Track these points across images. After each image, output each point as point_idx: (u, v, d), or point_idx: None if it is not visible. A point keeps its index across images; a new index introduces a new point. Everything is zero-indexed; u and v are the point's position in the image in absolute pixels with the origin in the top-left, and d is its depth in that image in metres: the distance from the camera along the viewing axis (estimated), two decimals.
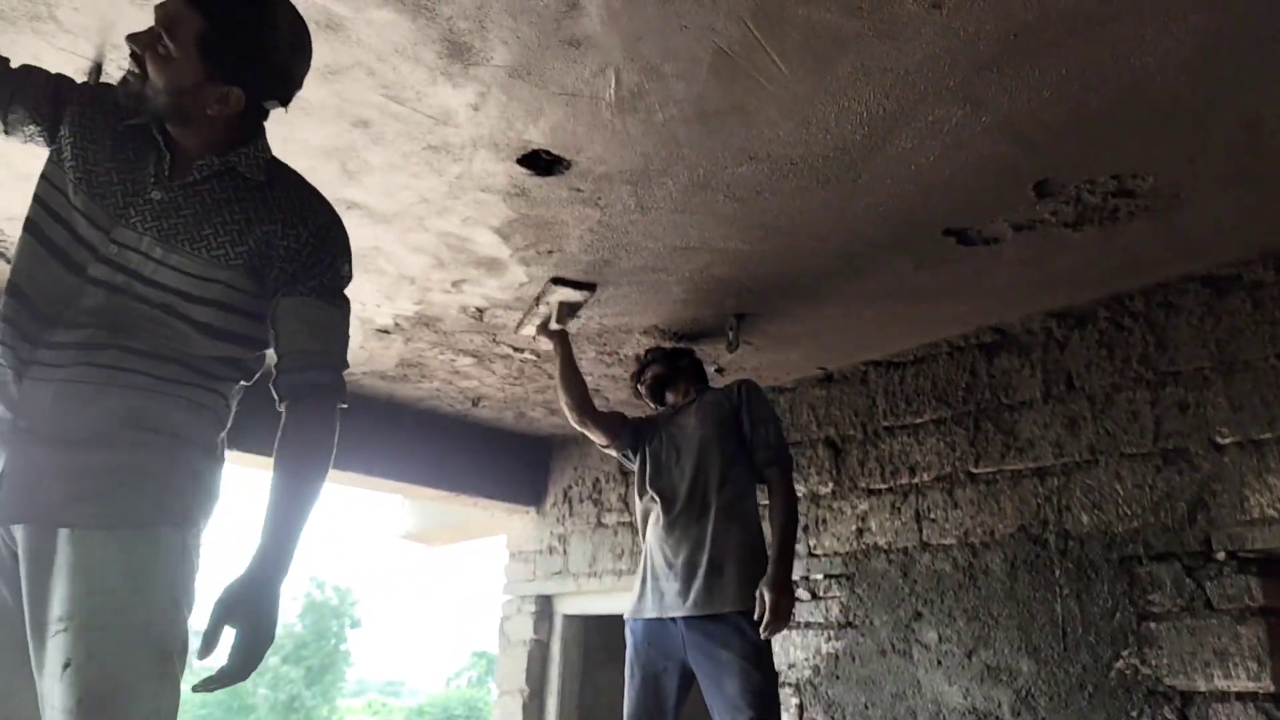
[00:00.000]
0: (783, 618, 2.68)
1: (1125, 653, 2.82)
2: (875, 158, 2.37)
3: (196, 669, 1.39)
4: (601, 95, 2.16)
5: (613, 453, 3.28)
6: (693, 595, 2.79)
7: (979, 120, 2.20)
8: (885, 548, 3.53)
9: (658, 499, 3.00)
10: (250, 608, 1.40)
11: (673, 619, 2.83)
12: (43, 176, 1.54)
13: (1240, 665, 2.60)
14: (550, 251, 2.97)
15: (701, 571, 2.80)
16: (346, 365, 1.60)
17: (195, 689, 1.41)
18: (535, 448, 5.29)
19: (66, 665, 1.31)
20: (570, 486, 5.12)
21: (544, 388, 4.34)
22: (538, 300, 3.25)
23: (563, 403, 3.29)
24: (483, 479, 5.06)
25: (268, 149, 1.60)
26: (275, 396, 1.56)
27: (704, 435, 3.00)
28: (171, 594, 1.42)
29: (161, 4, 1.48)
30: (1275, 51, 1.94)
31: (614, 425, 3.24)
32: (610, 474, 4.88)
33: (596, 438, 3.27)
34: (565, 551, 5.04)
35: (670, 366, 3.31)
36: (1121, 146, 2.29)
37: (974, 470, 3.34)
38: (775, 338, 3.58)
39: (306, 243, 1.55)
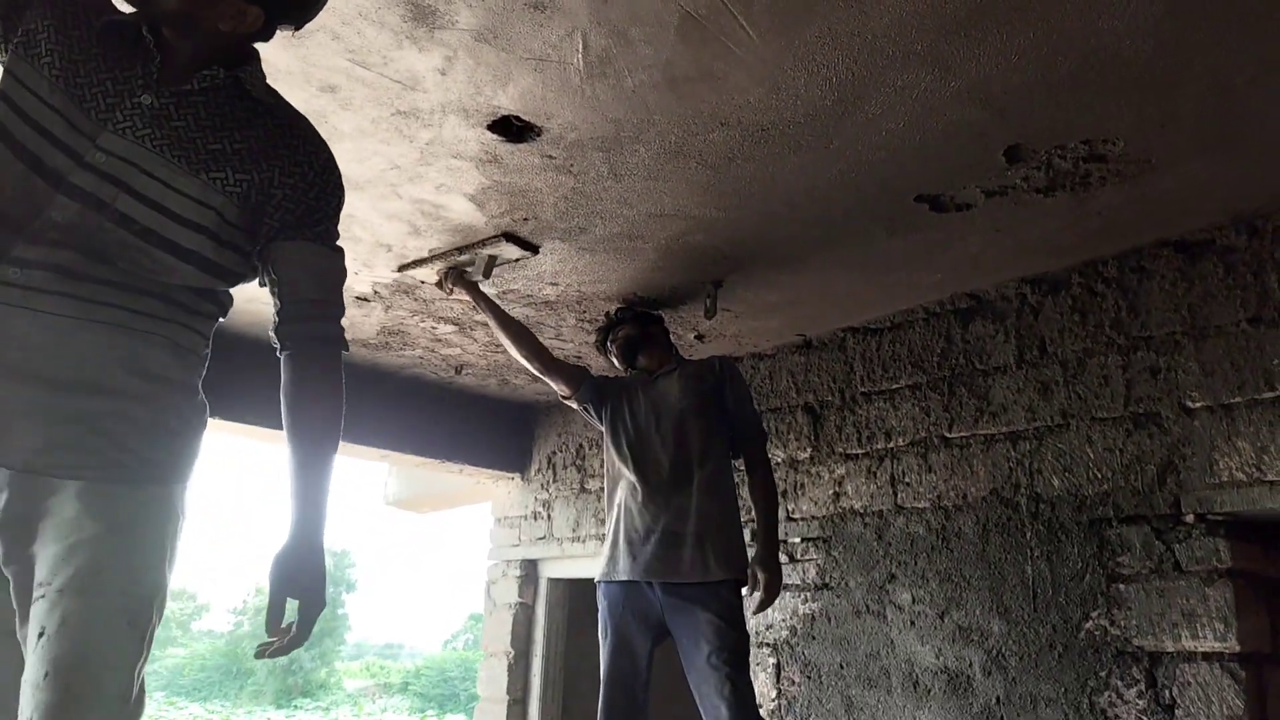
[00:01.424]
0: (774, 595, 2.82)
1: (1094, 614, 2.87)
2: (845, 123, 2.37)
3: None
4: (570, 60, 2.15)
5: (573, 404, 3.28)
6: (675, 564, 2.85)
7: (948, 85, 2.20)
8: (861, 511, 3.56)
9: (636, 465, 3.02)
10: (303, 575, 1.38)
11: (649, 582, 2.87)
12: (7, 69, 1.39)
13: (1208, 626, 2.64)
14: (526, 219, 2.96)
15: (686, 541, 2.86)
16: (344, 313, 1.55)
17: (258, 655, 1.40)
18: (519, 414, 5.31)
19: (40, 635, 1.25)
20: (554, 453, 5.15)
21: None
22: (466, 248, 3.13)
23: (517, 354, 3.27)
24: (467, 446, 5.08)
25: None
26: (275, 344, 1.49)
27: (686, 406, 3.03)
28: (159, 554, 1.35)
29: None
30: (1244, 14, 1.93)
31: (575, 376, 3.25)
32: (593, 440, 4.91)
33: (558, 386, 3.28)
34: (549, 517, 5.07)
35: (641, 329, 3.32)
36: (1092, 111, 2.29)
37: (948, 435, 3.37)
38: (753, 305, 3.58)
39: (313, 184, 1.48)
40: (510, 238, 3.06)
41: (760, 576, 2.83)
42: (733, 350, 4.13)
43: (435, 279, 3.34)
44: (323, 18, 2.02)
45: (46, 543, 1.28)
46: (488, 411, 5.15)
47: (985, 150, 2.48)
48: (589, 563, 4.81)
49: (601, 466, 4.82)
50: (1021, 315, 3.26)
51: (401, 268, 3.35)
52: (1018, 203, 2.73)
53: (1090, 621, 2.87)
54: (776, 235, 3.01)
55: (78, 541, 1.28)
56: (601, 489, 4.77)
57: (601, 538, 4.69)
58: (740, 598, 2.83)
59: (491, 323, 3.30)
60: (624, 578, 2.92)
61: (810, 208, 2.81)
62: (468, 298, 3.29)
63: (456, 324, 3.97)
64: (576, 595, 5.16)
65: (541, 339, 4.06)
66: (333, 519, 1.50)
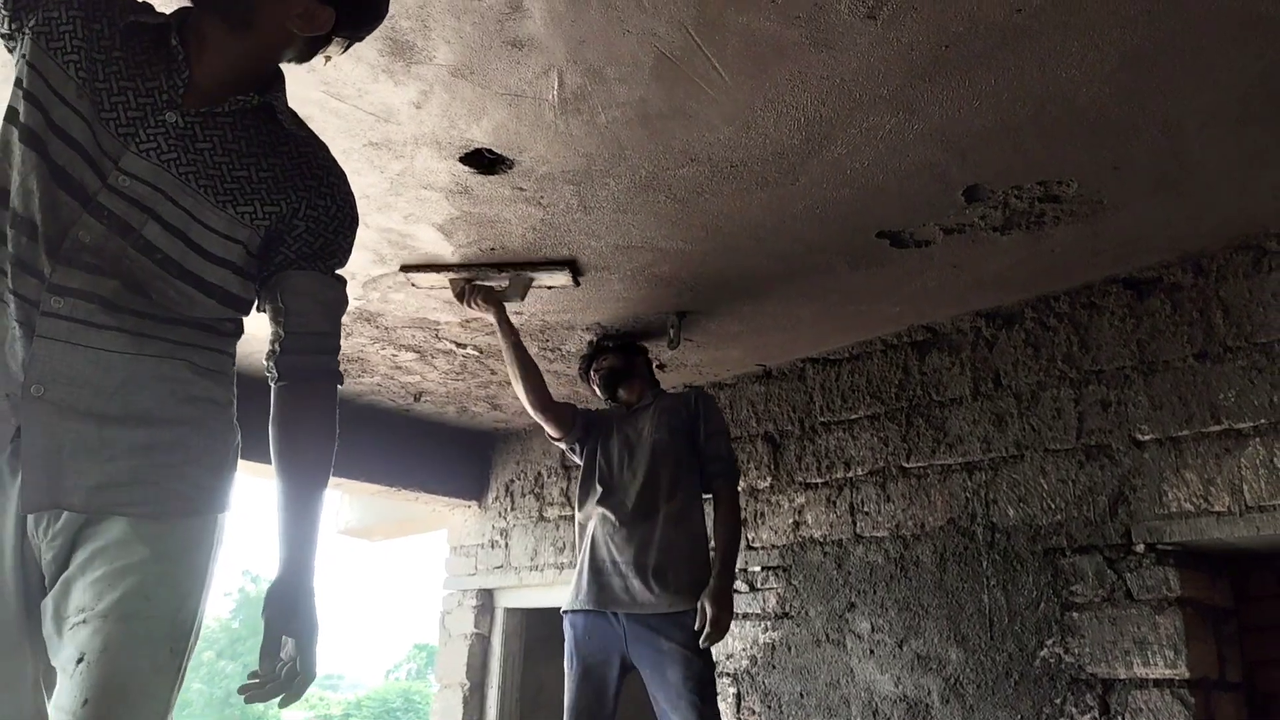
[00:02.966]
0: (722, 630, 2.80)
1: (1049, 641, 2.93)
2: (812, 162, 2.42)
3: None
4: (545, 96, 2.18)
5: (562, 445, 3.29)
6: (640, 595, 2.87)
7: (912, 127, 2.26)
8: (820, 540, 3.60)
9: (606, 497, 3.03)
10: (299, 611, 1.34)
11: (614, 614, 2.87)
12: (29, 64, 1.28)
13: (1158, 653, 2.72)
14: (493, 248, 2.97)
15: (650, 573, 2.88)
16: (341, 347, 1.51)
17: (247, 698, 1.33)
18: (477, 442, 5.28)
19: (79, 660, 1.20)
20: (512, 481, 5.13)
21: (486, 383, 4.33)
22: (510, 266, 3.04)
23: (521, 389, 3.21)
24: (424, 473, 5.04)
25: None
26: (274, 374, 1.43)
27: (658, 440, 3.05)
28: (201, 581, 1.32)
29: None
30: (1196, 65, 2.03)
31: (567, 417, 3.24)
32: (552, 468, 4.90)
33: (550, 429, 3.26)
34: (507, 545, 5.04)
35: (626, 361, 3.32)
36: (1048, 154, 2.38)
37: (906, 465, 3.43)
38: (716, 335, 3.63)
39: (334, 217, 1.43)
40: (573, 266, 3.01)
41: (708, 610, 2.79)
42: (693, 379, 4.17)
43: (453, 290, 3.16)
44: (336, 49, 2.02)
45: (89, 568, 1.24)
46: (445, 439, 5.12)
47: (945, 190, 2.55)
48: (547, 592, 4.79)
49: (561, 494, 4.81)
50: (977, 348, 3.34)
51: (405, 267, 3.12)
52: (975, 240, 2.81)
53: (1045, 649, 2.93)
54: (741, 267, 3.06)
55: (125, 566, 1.24)
56: (561, 517, 4.76)
57: (560, 567, 4.67)
58: None
59: (506, 351, 3.20)
60: (590, 607, 2.92)
61: (775, 241, 2.86)
62: (490, 317, 3.18)
63: (417, 351, 3.95)
64: (534, 625, 5.13)
65: (504, 365, 4.07)
66: (322, 552, 1.47)
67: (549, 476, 4.91)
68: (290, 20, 1.33)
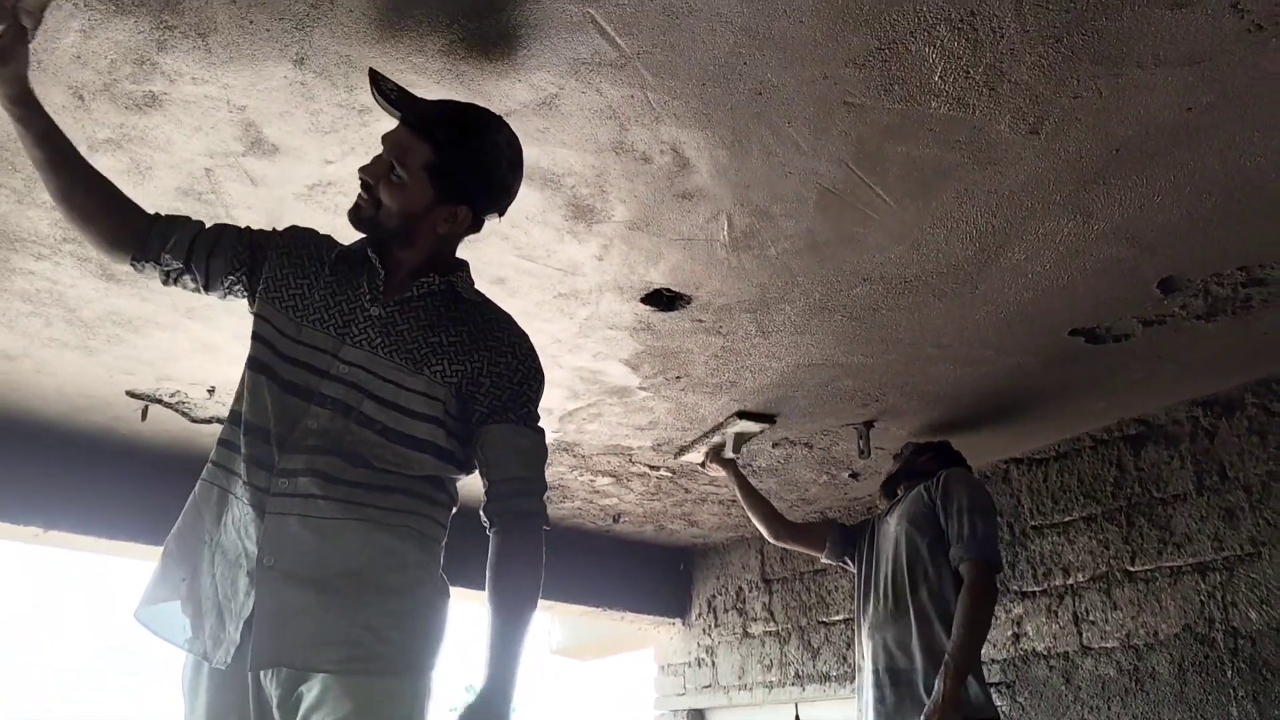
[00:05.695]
0: None
1: None
2: (989, 269, 2.41)
3: None
4: (716, 238, 2.30)
5: (828, 561, 3.24)
6: (882, 705, 2.71)
7: (1091, 229, 2.22)
8: (1044, 653, 3.40)
9: (863, 605, 2.93)
10: None
11: None
12: (260, 317, 1.62)
13: None
14: (678, 377, 3.09)
15: (891, 681, 2.71)
16: (547, 489, 1.66)
17: None
18: (676, 558, 5.34)
19: None
20: (714, 596, 5.13)
21: (681, 501, 4.42)
22: (714, 430, 3.42)
23: (758, 524, 3.42)
24: (627, 592, 5.13)
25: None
26: (486, 522, 1.59)
27: (899, 534, 2.87)
28: None
29: (390, 134, 1.61)
30: None
31: (819, 535, 3.24)
32: (753, 582, 4.88)
33: (802, 551, 3.36)
34: (713, 663, 5.02)
35: (907, 463, 3.12)
36: (1243, 240, 2.27)
37: (1131, 568, 3.22)
38: (908, 442, 3.57)
39: (516, 369, 1.60)
40: (743, 415, 3.30)
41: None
42: None
43: (699, 460, 3.61)
44: (493, 224, 2.24)
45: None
46: (645, 557, 5.21)
47: (1138, 284, 2.47)
48: (757, 712, 4.72)
49: (764, 609, 4.77)
50: (1196, 439, 3.13)
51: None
52: (1178, 330, 2.68)
53: None
54: (926, 374, 3.03)
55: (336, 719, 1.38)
56: (766, 633, 4.72)
57: (769, 686, 4.61)
58: None
59: (739, 496, 3.46)
60: None
61: (959, 348, 2.83)
62: (723, 474, 3.53)
63: (613, 475, 4.09)
64: None
65: (697, 484, 4.15)
66: (524, 674, 1.58)
67: (750, 591, 4.89)
68: (439, 226, 1.61)
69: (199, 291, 1.70)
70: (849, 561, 3.14)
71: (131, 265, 1.66)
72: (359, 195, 1.60)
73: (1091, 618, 3.30)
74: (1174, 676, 3.01)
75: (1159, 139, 1.92)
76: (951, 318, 2.65)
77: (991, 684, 3.54)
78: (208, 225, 1.71)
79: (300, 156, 2.06)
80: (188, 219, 1.70)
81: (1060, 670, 3.34)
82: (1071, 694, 3.28)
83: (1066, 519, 3.46)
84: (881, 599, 2.84)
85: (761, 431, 3.39)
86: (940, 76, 1.77)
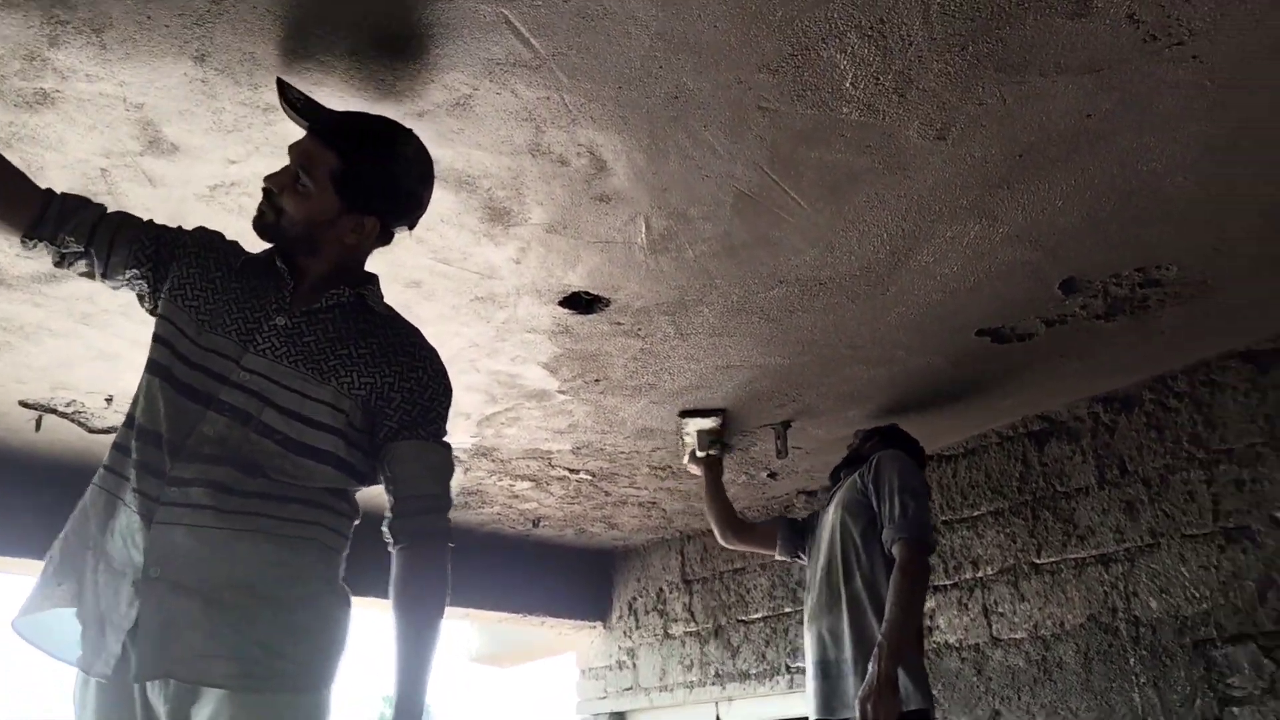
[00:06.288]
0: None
1: None
2: (900, 272, 2.46)
3: None
4: (634, 240, 2.30)
5: (782, 558, 3.19)
6: (820, 698, 2.67)
7: (996, 232, 2.29)
8: (956, 645, 3.49)
9: (806, 597, 2.88)
10: None
11: None
12: (162, 318, 1.58)
13: None
14: (597, 380, 3.08)
15: (831, 672, 2.66)
16: (451, 505, 1.64)
17: None
18: (597, 561, 5.32)
19: None
20: (635, 598, 5.14)
21: (601, 504, 4.41)
22: (679, 434, 3.43)
23: (714, 527, 3.34)
24: (547, 597, 5.10)
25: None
26: (389, 539, 1.57)
27: (835, 522, 2.80)
28: None
29: (297, 144, 1.59)
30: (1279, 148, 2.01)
31: (769, 534, 3.18)
32: (673, 584, 4.90)
33: (755, 550, 3.33)
34: (634, 665, 5.03)
35: (852, 449, 3.06)
36: (1141, 242, 2.36)
37: (1037, 561, 3.32)
38: (824, 441, 3.62)
39: (427, 385, 1.60)
40: (686, 414, 3.31)
41: (855, 709, 2.46)
42: (805, 485, 4.15)
43: (689, 466, 3.48)
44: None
45: None
46: (566, 561, 5.18)
47: (1040, 285, 2.54)
48: (678, 713, 4.74)
49: (684, 610, 4.79)
50: (1097, 434, 3.25)
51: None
52: (1079, 329, 2.77)
53: None
54: (841, 376, 3.08)
55: None
56: (686, 634, 4.74)
57: (690, 686, 4.63)
58: None
59: (705, 498, 3.37)
60: (813, 717, 2.71)
61: (872, 348, 2.89)
62: (700, 473, 3.42)
63: (532, 480, 4.06)
64: None
65: (617, 486, 4.14)
66: (432, 692, 1.57)
67: (670, 592, 4.91)
68: (346, 237, 1.60)
69: (91, 277, 1.65)
70: (802, 555, 3.06)
71: (21, 243, 1.59)
72: (261, 204, 1.58)
73: (1000, 610, 3.39)
74: (1080, 665, 3.12)
75: (1060, 145, 1.98)
76: (864, 319, 2.70)
77: None
78: (110, 209, 1.65)
79: (201, 156, 1.99)
80: (87, 200, 1.65)
81: (971, 662, 3.43)
82: (983, 685, 3.37)
83: (975, 514, 3.56)
84: (817, 589, 2.80)
85: (720, 425, 3.34)
86: (851, 83, 1.80)
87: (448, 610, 1.58)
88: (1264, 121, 1.92)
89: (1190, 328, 2.77)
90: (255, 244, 1.67)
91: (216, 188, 2.09)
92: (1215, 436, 2.93)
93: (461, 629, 6.04)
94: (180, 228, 1.72)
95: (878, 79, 1.79)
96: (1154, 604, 2.98)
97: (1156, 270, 2.48)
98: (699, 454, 3.36)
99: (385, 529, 1.59)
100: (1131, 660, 2.99)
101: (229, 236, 1.73)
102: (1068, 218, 2.24)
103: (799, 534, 3.10)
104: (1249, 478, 2.83)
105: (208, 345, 1.53)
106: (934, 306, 2.64)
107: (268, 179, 1.57)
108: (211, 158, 1.99)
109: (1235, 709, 2.73)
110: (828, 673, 2.68)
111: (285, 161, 1.61)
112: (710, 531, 4.63)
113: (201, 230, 1.72)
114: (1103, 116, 1.90)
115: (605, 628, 5.28)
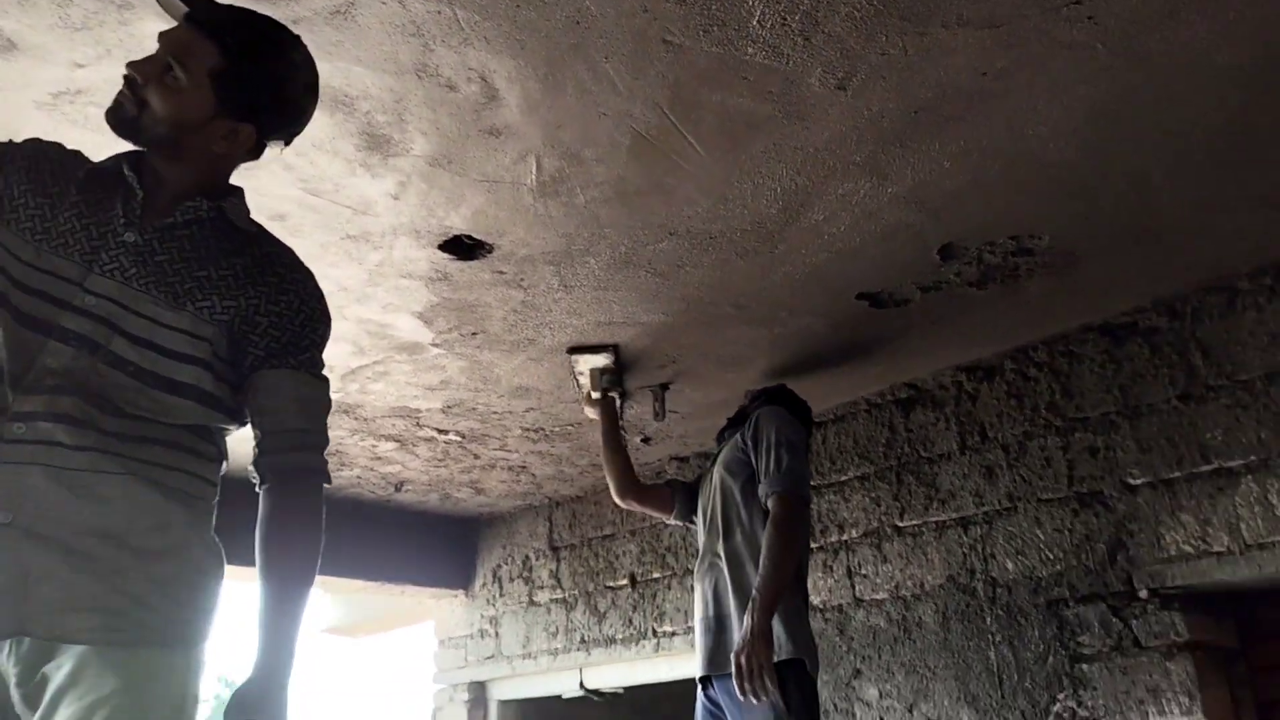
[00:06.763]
0: (754, 675, 2.36)
1: (1061, 695, 2.89)
2: (790, 229, 2.45)
3: None
4: (523, 181, 2.19)
5: (677, 522, 3.10)
6: (707, 653, 2.65)
7: (886, 191, 2.30)
8: (821, 606, 3.55)
9: (697, 554, 2.85)
10: (266, 714, 1.30)
11: (705, 676, 2.67)
12: None
13: (1173, 700, 2.68)
14: (474, 333, 2.96)
15: (712, 627, 2.65)
16: (329, 443, 1.50)
17: None
18: (462, 529, 5.19)
19: None
20: (499, 566, 5.04)
21: (469, 468, 4.28)
22: (573, 374, 3.20)
23: (610, 481, 3.15)
24: (408, 565, 4.94)
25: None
26: (255, 478, 1.44)
27: (717, 480, 2.80)
28: (179, 713, 1.30)
29: (170, 32, 1.39)
30: (1159, 116, 2.07)
31: (664, 496, 3.09)
32: (540, 550, 4.82)
33: (650, 513, 3.15)
34: (497, 634, 4.93)
35: (741, 409, 2.98)
36: (1019, 209, 2.42)
37: (900, 524, 3.41)
38: (701, 405, 3.61)
39: (299, 310, 1.45)
40: (575, 350, 3.08)
41: (732, 658, 2.44)
42: (679, 450, 4.14)
43: (588, 410, 3.29)
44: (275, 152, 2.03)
45: (61, 705, 1.21)
46: (429, 527, 5.02)
47: (921, 249, 2.58)
48: (542, 679, 4.68)
49: (551, 577, 4.72)
50: (960, 402, 3.35)
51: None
52: (951, 296, 2.83)
53: (1058, 704, 2.89)
54: (723, 337, 3.06)
55: (96, 701, 1.21)
56: (552, 600, 4.67)
57: (554, 653, 4.57)
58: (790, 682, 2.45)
59: (602, 447, 3.19)
60: (700, 674, 2.67)
61: (757, 309, 2.88)
62: (596, 416, 3.24)
63: (398, 440, 3.90)
64: (530, 716, 4.98)
65: (487, 449, 4.02)
66: (301, 656, 1.43)
67: (537, 559, 4.83)
68: (215, 144, 1.43)
69: None
70: (694, 520, 3.01)
71: None
72: (120, 91, 1.38)
73: (864, 571, 3.47)
74: (939, 625, 3.21)
75: (955, 102, 1.99)
76: (751, 277, 2.68)
77: None
78: None
79: (44, 57, 1.78)
80: None
81: (835, 622, 3.49)
82: (845, 644, 3.44)
83: (842, 479, 3.62)
84: (702, 548, 2.80)
85: (612, 362, 3.14)
86: (759, 21, 1.75)
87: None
88: (1144, 89, 1.98)
89: (1053, 298, 2.87)
90: (99, 154, 1.49)
91: (60, 95, 1.88)
92: (1072, 405, 3.06)
93: (315, 598, 5.80)
94: (9, 141, 1.51)
95: (784, 19, 1.75)
96: (1010, 565, 3.10)
97: (1029, 239, 2.55)
98: (594, 395, 3.20)
99: (250, 466, 1.44)
100: (988, 619, 3.11)
101: (71, 148, 1.53)
102: (953, 180, 2.27)
103: (692, 497, 3.05)
104: (1103, 445, 2.96)
105: (46, 268, 1.35)
106: (818, 267, 2.64)
107: (131, 65, 1.38)
108: (56, 59, 1.78)
109: (1085, 666, 2.86)
110: (711, 628, 2.67)
111: None
112: (580, 498, 4.64)
113: (34, 141, 1.51)
114: (997, 75, 1.92)
115: (468, 596, 5.15)
